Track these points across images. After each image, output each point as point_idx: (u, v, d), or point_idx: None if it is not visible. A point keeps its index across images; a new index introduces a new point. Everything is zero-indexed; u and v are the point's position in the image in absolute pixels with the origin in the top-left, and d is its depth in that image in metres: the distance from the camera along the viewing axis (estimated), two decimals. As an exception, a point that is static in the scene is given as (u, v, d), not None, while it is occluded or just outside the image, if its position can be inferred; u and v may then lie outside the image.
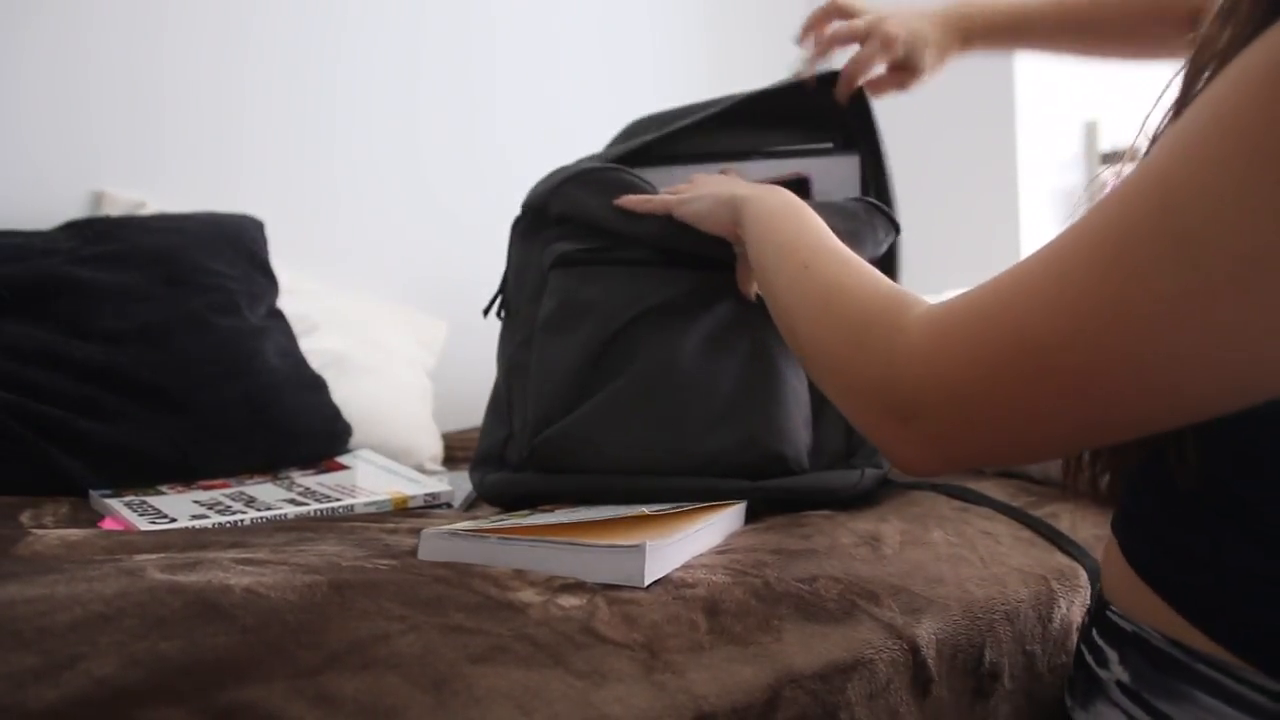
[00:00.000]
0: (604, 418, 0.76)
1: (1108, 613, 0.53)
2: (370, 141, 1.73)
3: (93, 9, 1.40)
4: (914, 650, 0.55)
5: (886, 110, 0.93)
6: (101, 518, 0.79)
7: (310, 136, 1.65)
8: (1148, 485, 0.51)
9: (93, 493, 0.87)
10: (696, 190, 0.75)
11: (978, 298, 0.42)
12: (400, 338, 1.52)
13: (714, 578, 0.56)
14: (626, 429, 0.76)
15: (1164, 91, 0.47)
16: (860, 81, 0.89)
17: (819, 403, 0.81)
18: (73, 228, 1.13)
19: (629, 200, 0.79)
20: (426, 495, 0.89)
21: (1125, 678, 0.51)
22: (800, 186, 0.88)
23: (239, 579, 0.49)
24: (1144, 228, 0.36)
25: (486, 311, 0.91)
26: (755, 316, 0.78)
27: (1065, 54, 0.90)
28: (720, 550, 0.64)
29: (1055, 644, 0.65)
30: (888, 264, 0.89)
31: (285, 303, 1.22)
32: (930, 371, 0.42)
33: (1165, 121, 0.45)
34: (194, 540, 0.66)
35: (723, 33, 2.31)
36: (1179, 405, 0.37)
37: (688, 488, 0.75)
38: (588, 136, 1.95)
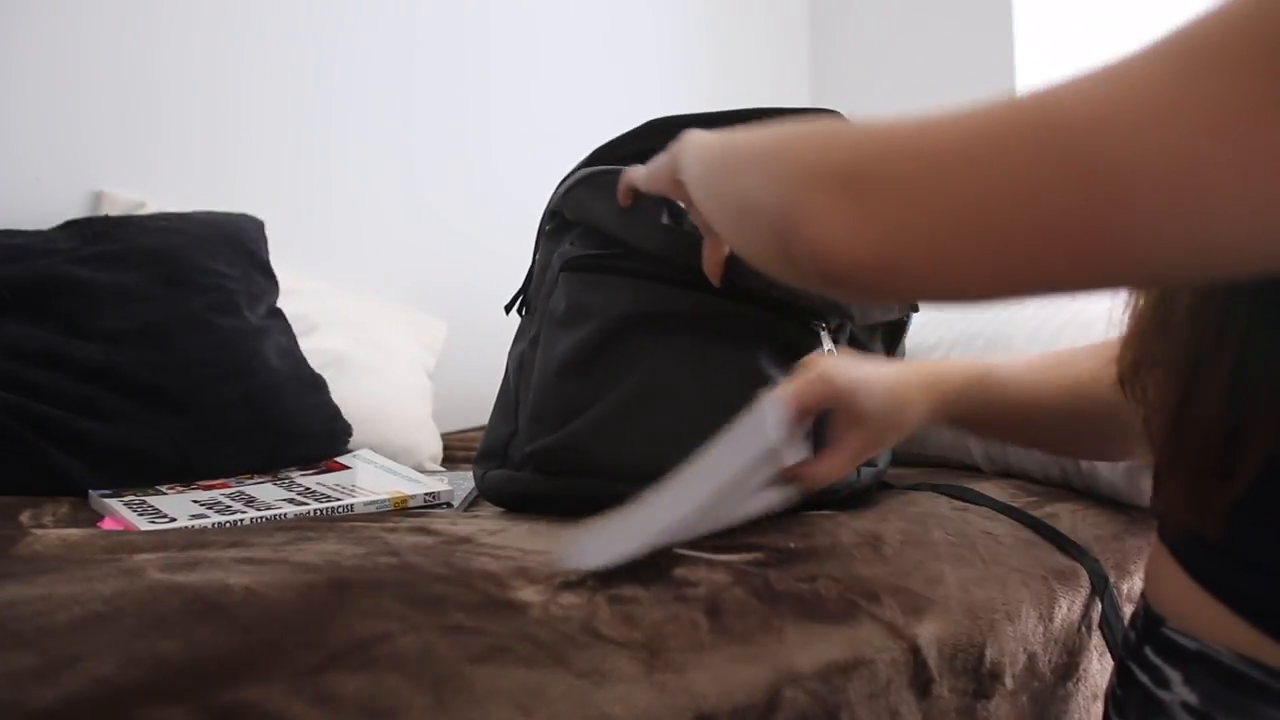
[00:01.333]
0: (601, 430, 0.77)
1: (1164, 630, 0.50)
2: (371, 141, 1.73)
3: (93, 9, 1.40)
4: (914, 650, 0.55)
5: (886, 112, 0.93)
6: (101, 518, 0.79)
7: (310, 136, 1.65)
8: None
9: (92, 493, 0.87)
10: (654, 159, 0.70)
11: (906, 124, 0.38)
12: (400, 338, 1.52)
13: (715, 577, 0.56)
14: (623, 442, 0.76)
15: None
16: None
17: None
18: (72, 228, 1.13)
19: (621, 194, 0.77)
20: (426, 495, 0.89)
21: (1192, 699, 0.48)
22: None
23: (239, 578, 0.49)
24: (1221, 33, 0.32)
25: (509, 308, 0.92)
26: (757, 336, 0.78)
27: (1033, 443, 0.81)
28: (721, 547, 0.64)
29: (1056, 644, 0.65)
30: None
31: (285, 303, 1.22)
32: (898, 134, 0.38)
33: None
34: (194, 540, 0.66)
35: (723, 34, 2.31)
36: (1205, 238, 0.32)
37: None
38: (588, 137, 1.95)
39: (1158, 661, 0.50)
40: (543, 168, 0.91)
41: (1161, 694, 0.50)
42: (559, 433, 0.77)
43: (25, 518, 0.78)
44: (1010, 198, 0.34)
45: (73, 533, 0.68)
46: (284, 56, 1.61)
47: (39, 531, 0.69)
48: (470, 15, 1.88)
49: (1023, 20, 2.16)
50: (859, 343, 0.84)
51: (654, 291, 0.78)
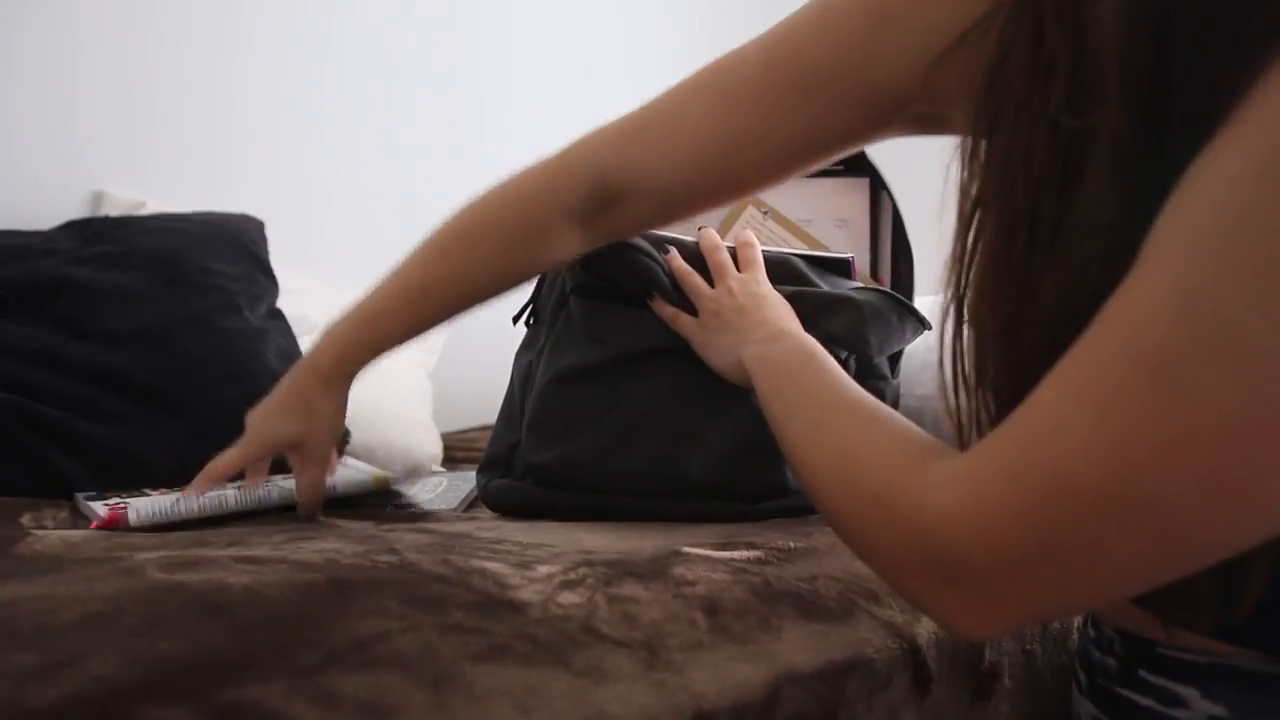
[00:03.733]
0: (601, 450, 0.78)
1: (1161, 652, 0.49)
2: (371, 141, 1.73)
3: (93, 10, 1.40)
4: (914, 649, 0.55)
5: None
6: (90, 521, 0.79)
7: (310, 136, 1.65)
8: None
9: (78, 495, 0.87)
10: (714, 335, 0.74)
11: (1002, 443, 0.38)
12: (400, 338, 1.52)
13: (714, 576, 0.56)
14: (622, 461, 0.77)
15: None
16: None
17: None
18: (73, 228, 1.13)
19: (660, 307, 0.79)
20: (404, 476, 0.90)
21: (1219, 710, 0.47)
22: (843, 266, 0.87)
23: (239, 577, 0.49)
24: (1186, 346, 0.33)
25: (516, 319, 0.92)
26: None
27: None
28: (721, 546, 0.64)
29: (1055, 643, 0.65)
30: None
31: (285, 303, 1.22)
32: (970, 532, 0.38)
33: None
34: (193, 539, 0.66)
35: (721, 33, 2.31)
36: (1266, 514, 0.34)
37: (688, 509, 0.77)
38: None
39: (1163, 683, 0.49)
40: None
41: (1177, 713, 0.49)
42: (560, 451, 0.78)
43: (26, 519, 0.78)
44: (1096, 563, 0.36)
45: (73, 533, 0.68)
46: (284, 57, 1.61)
47: (40, 532, 0.69)
48: (471, 16, 1.88)
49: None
50: (866, 363, 0.84)
51: (663, 325, 0.79)
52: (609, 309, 0.80)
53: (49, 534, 0.67)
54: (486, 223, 0.73)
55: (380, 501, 0.92)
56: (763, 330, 0.70)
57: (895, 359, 0.91)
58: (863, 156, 0.90)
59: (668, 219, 0.69)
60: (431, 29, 1.82)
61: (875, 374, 0.84)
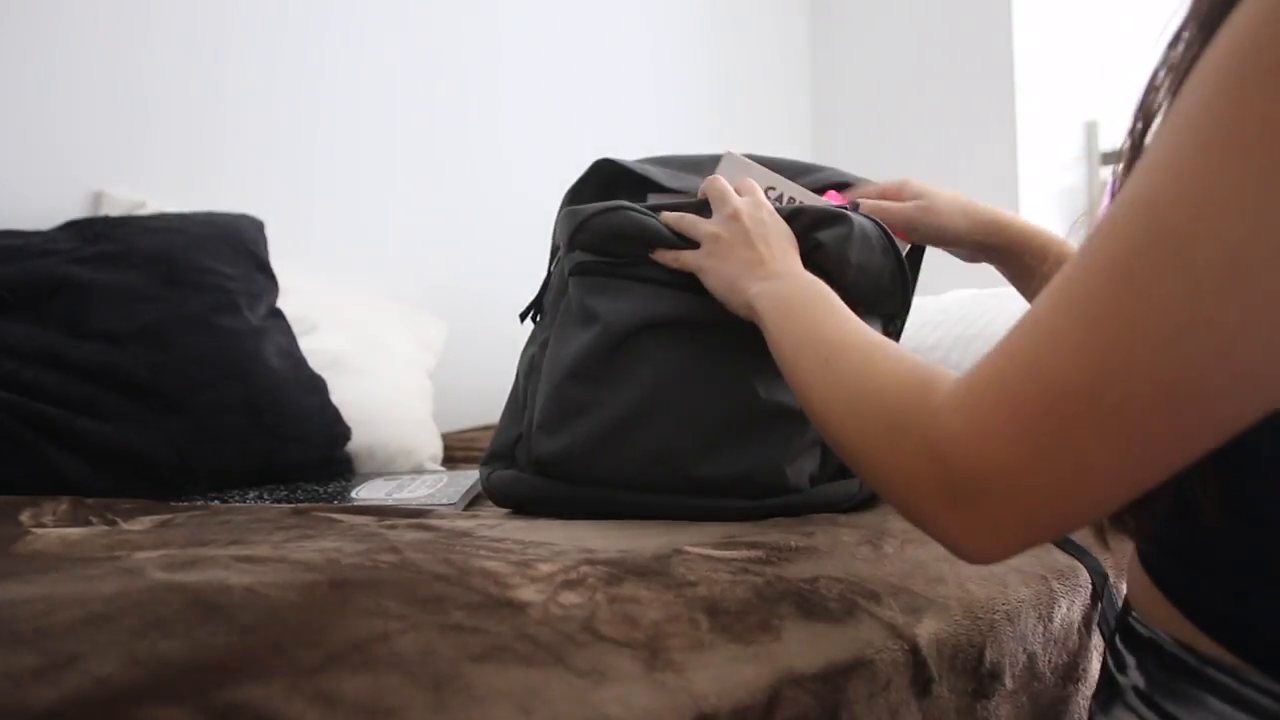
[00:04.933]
0: (603, 443, 0.77)
1: (1130, 618, 0.53)
2: (371, 141, 1.73)
3: (94, 10, 1.40)
4: (914, 650, 0.55)
5: (887, 112, 0.94)
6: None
7: (310, 136, 1.65)
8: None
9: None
10: (720, 260, 0.75)
11: (1000, 359, 0.40)
12: (400, 338, 1.52)
13: (715, 575, 0.56)
14: (624, 455, 0.77)
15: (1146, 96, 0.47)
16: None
17: None
18: (73, 228, 1.13)
19: (661, 254, 0.79)
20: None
21: (1140, 683, 0.50)
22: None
23: (239, 577, 0.49)
24: (1136, 243, 0.35)
25: (524, 316, 0.92)
26: (760, 344, 0.78)
27: None
28: (722, 545, 0.64)
29: (1055, 644, 0.65)
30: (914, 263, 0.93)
31: (285, 303, 1.22)
32: (975, 450, 0.40)
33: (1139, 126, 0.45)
34: (194, 538, 0.66)
35: (727, 34, 2.31)
36: (1219, 414, 0.36)
37: (689, 506, 0.77)
38: (589, 136, 1.95)
39: (1122, 648, 0.53)
40: (544, 167, 0.91)
41: (1120, 678, 0.52)
42: (563, 444, 0.78)
43: (25, 517, 0.78)
44: (1085, 470, 0.37)
45: (73, 532, 0.68)
46: (285, 57, 1.61)
47: (39, 531, 0.69)
48: (473, 15, 1.88)
49: (1022, 32, 2.15)
50: None
51: (662, 296, 0.79)
52: (604, 284, 0.80)
53: (48, 532, 0.67)
54: None
55: None
56: (767, 267, 0.70)
57: (899, 326, 0.91)
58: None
59: None
60: (442, 30, 1.82)
61: None
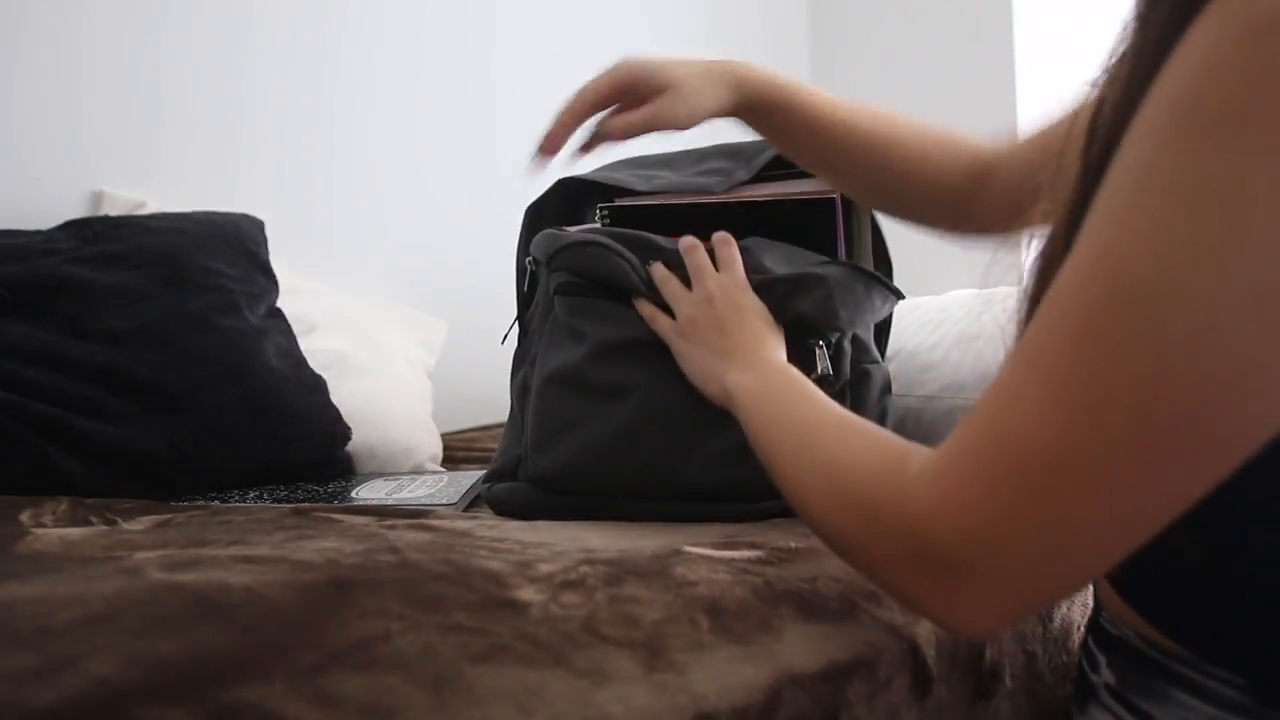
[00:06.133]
0: (599, 456, 0.78)
1: (1099, 618, 0.54)
2: (371, 141, 1.73)
3: (94, 9, 1.39)
4: (914, 650, 0.55)
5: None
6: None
7: (311, 136, 1.65)
8: None
9: None
10: (693, 347, 0.74)
11: (970, 427, 0.39)
12: (400, 338, 1.52)
13: (715, 576, 0.56)
14: (620, 466, 0.78)
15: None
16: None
17: None
18: (73, 228, 1.13)
19: (642, 306, 0.79)
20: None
21: (1111, 680, 0.51)
22: (828, 207, 0.87)
23: (239, 577, 0.49)
24: (1100, 302, 0.35)
25: (504, 339, 0.93)
26: None
27: (842, 161, 0.78)
28: (722, 545, 0.64)
29: (1055, 643, 0.65)
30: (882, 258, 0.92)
31: (285, 303, 1.22)
32: (951, 524, 0.38)
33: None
34: (194, 538, 0.66)
35: (727, 34, 2.31)
36: (1200, 465, 0.35)
37: (687, 511, 0.77)
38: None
39: (1093, 648, 0.54)
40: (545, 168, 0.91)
41: (1093, 677, 0.53)
42: (559, 459, 0.79)
43: (25, 517, 0.78)
44: (1065, 539, 0.37)
45: (73, 531, 0.68)
46: (285, 56, 1.61)
47: (39, 530, 0.69)
48: (472, 15, 1.88)
49: (1023, 22, 2.16)
50: (860, 344, 0.84)
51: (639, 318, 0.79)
52: (590, 305, 0.80)
53: (48, 532, 0.67)
54: (923, 123, 0.77)
55: None
56: (741, 358, 0.70)
57: (881, 345, 0.92)
58: None
59: (1010, 221, 0.70)
60: (441, 29, 1.82)
61: (868, 357, 0.85)
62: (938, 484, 0.39)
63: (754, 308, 0.75)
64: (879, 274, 0.85)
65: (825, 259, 0.85)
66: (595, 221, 0.90)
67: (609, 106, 0.75)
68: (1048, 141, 0.66)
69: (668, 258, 0.80)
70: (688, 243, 0.79)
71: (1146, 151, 0.35)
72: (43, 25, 1.35)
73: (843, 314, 0.79)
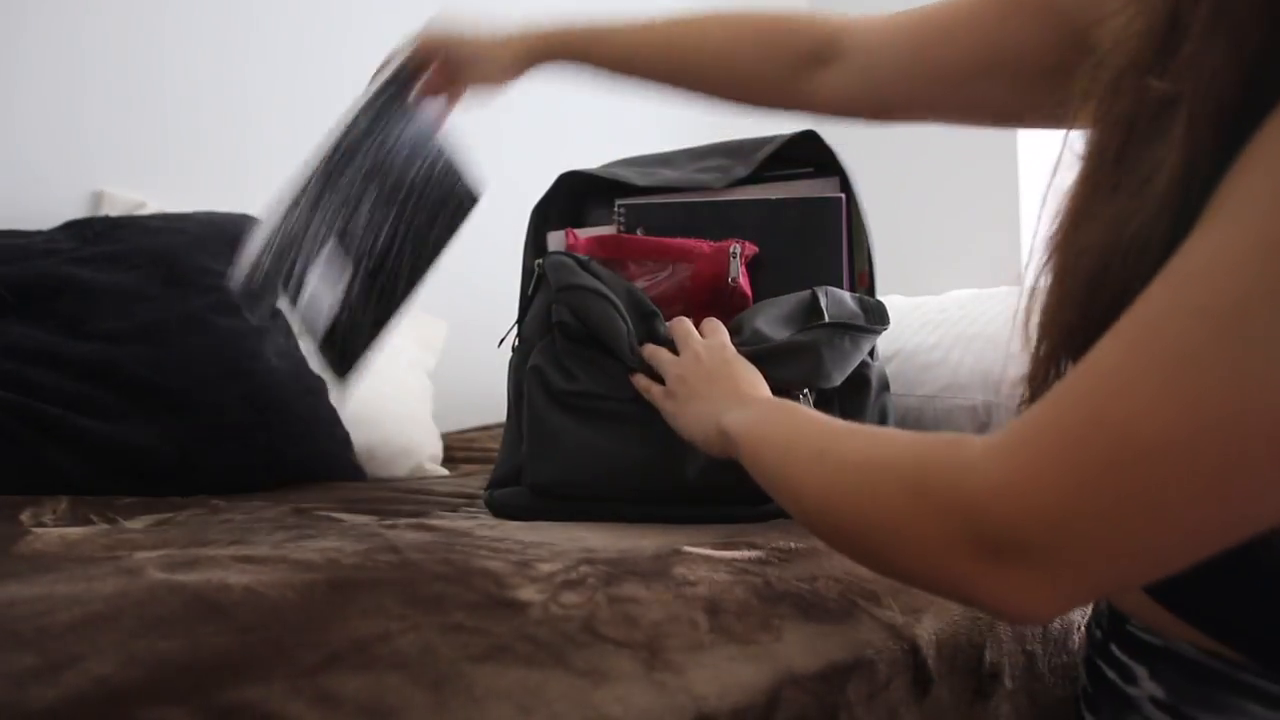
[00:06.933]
0: (597, 463, 0.79)
1: (1129, 628, 0.51)
2: (370, 141, 1.73)
3: (94, 9, 1.39)
4: (914, 650, 0.55)
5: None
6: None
7: (311, 136, 1.65)
8: None
9: None
10: (683, 403, 0.73)
11: (1053, 408, 0.37)
12: (400, 338, 1.52)
13: (715, 576, 0.56)
14: (619, 474, 0.78)
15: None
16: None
17: None
18: (73, 228, 1.13)
19: (637, 380, 0.79)
20: None
21: (1159, 693, 0.49)
22: (833, 206, 0.88)
23: (239, 577, 0.49)
24: (1254, 291, 0.32)
25: (501, 343, 0.93)
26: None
27: (654, 82, 0.81)
28: (722, 545, 0.64)
29: (1055, 644, 0.65)
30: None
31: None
32: (1021, 503, 0.36)
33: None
34: (194, 538, 0.66)
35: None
36: None
37: (689, 514, 0.77)
38: (588, 136, 1.95)
39: (1124, 658, 0.51)
40: (544, 167, 0.91)
41: (1130, 690, 0.51)
42: (556, 466, 0.79)
43: (25, 516, 0.78)
44: (1153, 529, 0.35)
45: (73, 531, 0.68)
46: (283, 56, 1.61)
47: (39, 530, 0.69)
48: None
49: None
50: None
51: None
52: (584, 353, 0.81)
53: (48, 532, 0.67)
54: (741, 19, 0.78)
55: None
56: (737, 399, 0.68)
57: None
58: (833, 157, 0.91)
59: (860, 101, 0.73)
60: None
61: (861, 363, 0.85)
62: (1010, 460, 0.37)
63: (741, 362, 0.74)
64: (861, 323, 0.83)
65: (812, 324, 0.83)
66: (613, 220, 0.90)
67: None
68: (924, 24, 0.68)
69: (660, 331, 0.80)
70: (675, 322, 0.80)
71: None
72: (43, 26, 1.35)
73: (835, 375, 0.80)
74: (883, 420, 0.88)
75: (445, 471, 1.32)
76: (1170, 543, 0.36)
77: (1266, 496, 0.34)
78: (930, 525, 0.40)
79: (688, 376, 0.74)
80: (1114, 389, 0.35)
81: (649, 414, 0.77)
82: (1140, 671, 0.50)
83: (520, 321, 0.92)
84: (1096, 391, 0.36)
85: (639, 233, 0.88)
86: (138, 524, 0.78)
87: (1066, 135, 0.48)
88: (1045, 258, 0.46)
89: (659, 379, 0.77)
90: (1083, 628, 0.67)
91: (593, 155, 0.95)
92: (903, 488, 0.41)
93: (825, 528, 0.49)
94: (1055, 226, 0.46)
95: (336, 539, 0.66)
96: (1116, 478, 0.35)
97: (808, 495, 0.49)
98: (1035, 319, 0.47)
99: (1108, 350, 0.37)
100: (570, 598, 0.51)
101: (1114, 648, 0.53)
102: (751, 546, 0.64)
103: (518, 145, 1.90)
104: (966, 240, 2.04)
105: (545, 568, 0.54)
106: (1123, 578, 0.38)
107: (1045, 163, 0.50)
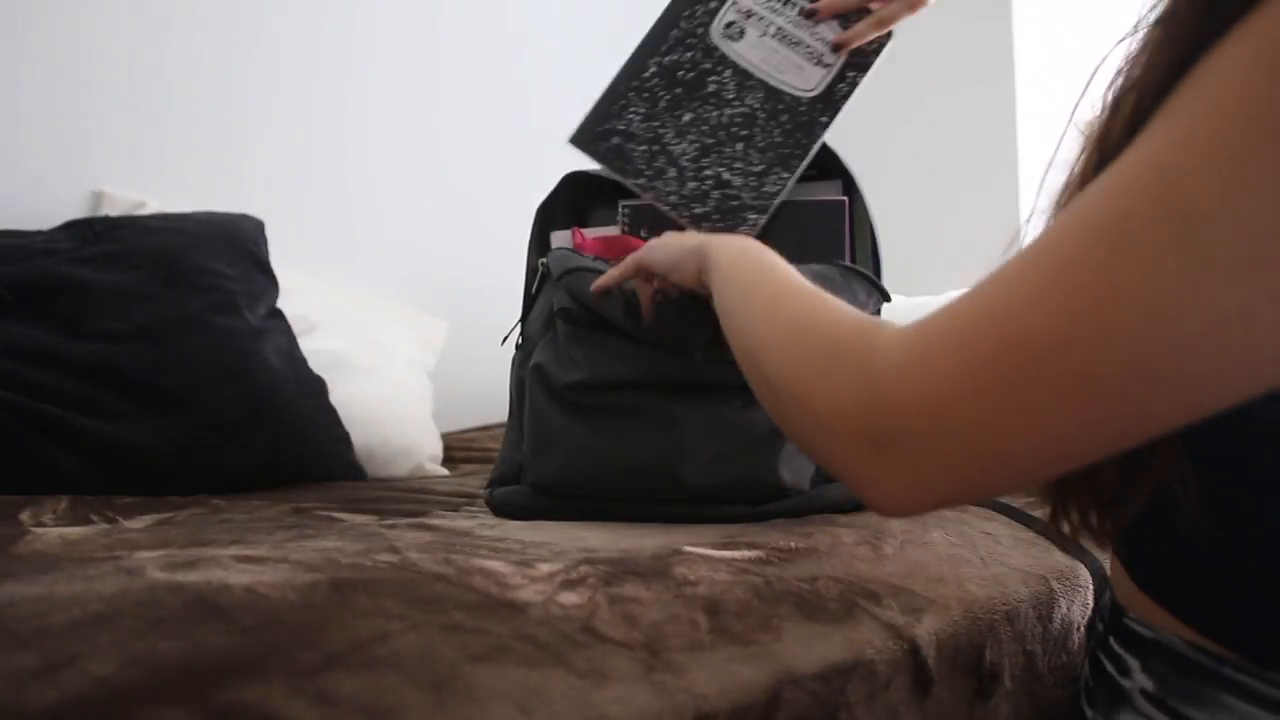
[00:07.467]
0: (597, 463, 0.78)
1: (1125, 620, 0.52)
2: (370, 141, 1.73)
3: (94, 9, 1.39)
4: (914, 650, 0.55)
5: (888, 114, 0.93)
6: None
7: (311, 137, 1.65)
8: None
9: None
10: (663, 240, 0.73)
11: (959, 304, 0.39)
12: (400, 338, 1.52)
13: (715, 576, 0.56)
14: (620, 474, 0.78)
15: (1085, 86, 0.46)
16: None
17: None
18: (73, 228, 1.13)
19: (601, 281, 0.78)
20: None
21: (1149, 686, 0.49)
22: (836, 209, 0.88)
23: (239, 578, 0.49)
24: (1144, 213, 0.34)
25: (505, 340, 0.93)
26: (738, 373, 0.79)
27: None
28: (722, 545, 0.64)
29: (1055, 644, 0.65)
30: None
31: (285, 303, 1.22)
32: (907, 387, 0.38)
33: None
34: (194, 538, 0.66)
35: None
36: (1187, 398, 0.35)
37: (689, 514, 0.77)
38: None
39: (1120, 651, 0.52)
40: (544, 167, 0.91)
41: (1123, 682, 0.52)
42: (557, 465, 0.79)
43: (25, 516, 0.78)
44: (1017, 430, 0.36)
45: (72, 531, 0.68)
46: (284, 57, 1.61)
47: (39, 530, 0.69)
48: (473, 17, 1.88)
49: (1022, 32, 2.15)
50: None
51: (640, 356, 0.79)
52: (588, 336, 0.81)
53: (48, 531, 0.67)
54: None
55: None
56: (724, 238, 0.67)
57: None
58: (835, 159, 0.91)
59: None
60: (441, 29, 1.82)
61: None
62: (910, 346, 0.39)
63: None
64: (863, 270, 0.84)
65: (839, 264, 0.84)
66: (618, 220, 0.90)
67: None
68: None
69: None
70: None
71: (1234, 77, 0.34)
72: (44, 26, 1.35)
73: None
74: None
75: (445, 471, 1.32)
76: (1032, 447, 0.37)
77: (1119, 422, 0.35)
78: (832, 393, 0.41)
79: (667, 239, 0.73)
80: (1011, 290, 0.37)
81: (650, 409, 0.77)
82: (1133, 664, 0.51)
83: (524, 320, 0.92)
84: (994, 291, 0.38)
85: (643, 234, 0.88)
86: (138, 524, 0.78)
87: (1064, 135, 0.48)
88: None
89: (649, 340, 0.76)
90: (1083, 627, 0.68)
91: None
92: (824, 354, 0.43)
93: (756, 376, 0.51)
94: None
95: (336, 539, 0.66)
96: (993, 370, 0.36)
97: (750, 339, 0.52)
98: None
99: (1014, 258, 0.38)
100: (570, 597, 0.51)
101: (1112, 640, 0.53)
102: (751, 546, 0.64)
103: (519, 145, 1.90)
104: (966, 240, 2.04)
105: (545, 568, 0.54)
106: (987, 479, 0.39)
107: (1046, 161, 0.50)
